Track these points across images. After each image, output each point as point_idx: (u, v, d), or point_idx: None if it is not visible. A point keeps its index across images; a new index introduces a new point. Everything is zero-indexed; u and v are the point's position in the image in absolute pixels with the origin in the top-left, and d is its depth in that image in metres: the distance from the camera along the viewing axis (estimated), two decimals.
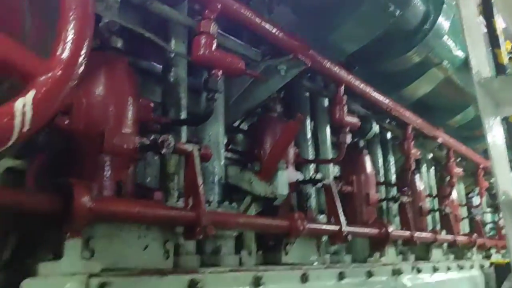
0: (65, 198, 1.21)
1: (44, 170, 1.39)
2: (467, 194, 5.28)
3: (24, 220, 1.23)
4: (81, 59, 1.00)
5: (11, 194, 1.17)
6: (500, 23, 2.24)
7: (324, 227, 2.24)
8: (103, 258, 1.30)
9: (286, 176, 2.15)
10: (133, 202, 1.44)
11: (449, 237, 3.68)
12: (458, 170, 4.20)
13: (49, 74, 0.93)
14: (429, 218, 3.88)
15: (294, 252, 2.10)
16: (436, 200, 4.18)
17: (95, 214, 1.25)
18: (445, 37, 3.35)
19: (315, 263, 2.20)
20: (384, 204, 3.30)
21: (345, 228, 2.32)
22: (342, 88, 2.60)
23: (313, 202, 2.54)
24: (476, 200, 5.33)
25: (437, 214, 4.04)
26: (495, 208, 5.39)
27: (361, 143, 3.12)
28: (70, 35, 0.98)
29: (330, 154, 2.85)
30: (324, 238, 2.33)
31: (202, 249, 1.78)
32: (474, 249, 4.13)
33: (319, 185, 2.37)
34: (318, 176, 2.37)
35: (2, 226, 1.20)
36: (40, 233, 1.25)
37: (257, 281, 1.63)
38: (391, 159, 3.58)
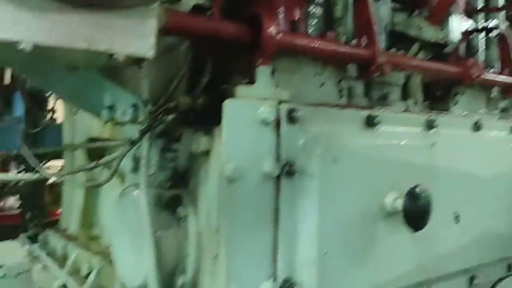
0: (255, 28, 1.26)
1: (224, 9, 1.45)
2: None
3: (218, 48, 1.30)
4: None
5: (208, 22, 1.24)
6: None
7: (498, 78, 2.08)
8: (285, 90, 1.35)
9: (458, 21, 1.99)
10: (312, 37, 1.45)
11: None
12: None
13: None
14: None
15: (462, 103, 2.01)
16: None
17: (281, 44, 1.29)
18: None
19: None
20: None
21: None
22: None
23: (481, 55, 2.35)
24: None
25: None
26: None
27: None
28: None
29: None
30: (494, 93, 2.18)
31: (370, 95, 1.78)
32: None
33: (493, 34, 2.16)
34: (492, 24, 2.16)
35: (200, 54, 1.29)
36: (233, 61, 1.33)
37: (430, 124, 1.60)
38: None
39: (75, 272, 1.90)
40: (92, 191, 2.13)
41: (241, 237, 1.19)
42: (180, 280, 1.26)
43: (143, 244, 1.28)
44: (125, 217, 1.38)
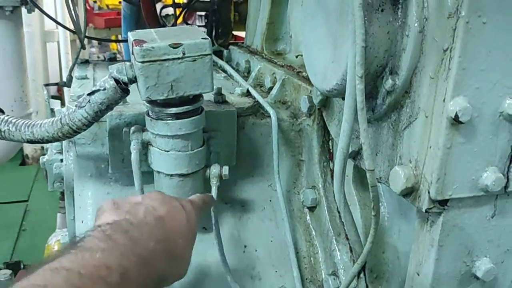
0: None
1: None
2: None
3: None
4: None
5: None
6: None
7: None
8: None
9: None
10: None
11: None
12: None
13: None
14: None
15: None
16: None
17: None
18: None
19: None
20: None
21: None
22: None
23: None
24: None
25: None
26: None
27: None
28: None
29: None
30: None
31: None
32: None
33: None
34: None
35: None
36: None
37: None
38: None
39: (258, 85, 1.74)
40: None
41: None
42: (388, 83, 0.95)
43: (343, 32, 0.98)
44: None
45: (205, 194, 1.16)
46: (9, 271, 3.11)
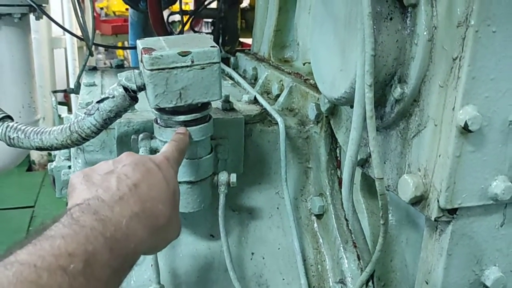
0: None
1: None
2: None
3: None
4: None
5: None
6: None
7: None
8: None
9: None
10: None
11: None
12: None
13: None
14: None
15: None
16: None
17: None
18: None
19: None
20: None
21: None
22: None
23: None
24: None
25: None
26: None
27: None
28: None
29: None
30: None
31: None
32: None
33: None
34: None
35: None
36: None
37: None
38: None
39: (265, 92, 1.74)
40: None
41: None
42: (397, 91, 0.95)
43: (351, 40, 0.98)
44: (330, 7, 1.09)
45: (177, 139, 1.07)
46: None
